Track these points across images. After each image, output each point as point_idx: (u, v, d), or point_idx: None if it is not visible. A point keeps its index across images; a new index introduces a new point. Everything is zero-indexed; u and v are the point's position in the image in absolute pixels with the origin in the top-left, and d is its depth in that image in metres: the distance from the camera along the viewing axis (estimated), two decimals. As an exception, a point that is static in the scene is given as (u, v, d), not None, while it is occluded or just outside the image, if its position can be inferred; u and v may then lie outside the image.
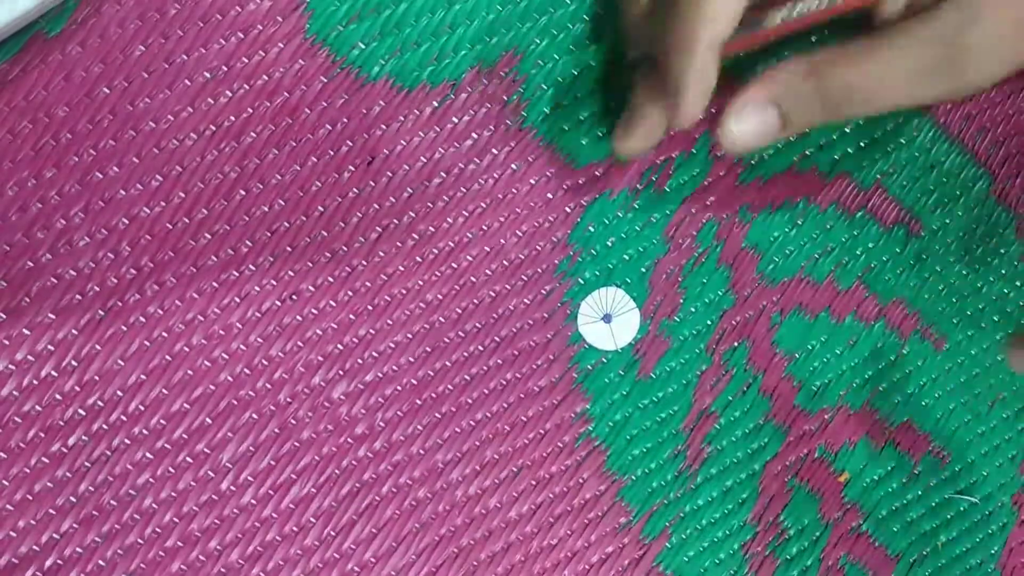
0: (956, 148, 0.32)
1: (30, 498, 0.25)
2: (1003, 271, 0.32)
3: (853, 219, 0.31)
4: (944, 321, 0.31)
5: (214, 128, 0.26)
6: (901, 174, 0.31)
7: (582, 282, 0.29)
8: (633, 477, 0.29)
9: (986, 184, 0.32)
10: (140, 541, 0.26)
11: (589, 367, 0.29)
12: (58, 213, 0.25)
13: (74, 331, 0.25)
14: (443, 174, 0.28)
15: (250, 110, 0.26)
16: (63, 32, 0.25)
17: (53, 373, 0.25)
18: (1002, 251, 0.32)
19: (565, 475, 0.29)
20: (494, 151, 0.28)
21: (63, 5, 0.25)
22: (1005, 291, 0.32)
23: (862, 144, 0.31)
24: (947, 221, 0.31)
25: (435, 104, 0.28)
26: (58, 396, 0.25)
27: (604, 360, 0.29)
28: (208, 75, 0.26)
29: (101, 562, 0.25)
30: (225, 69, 0.26)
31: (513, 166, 0.28)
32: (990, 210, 0.32)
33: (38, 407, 0.25)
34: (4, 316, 0.25)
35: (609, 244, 0.29)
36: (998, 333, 0.32)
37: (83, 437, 0.25)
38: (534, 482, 0.29)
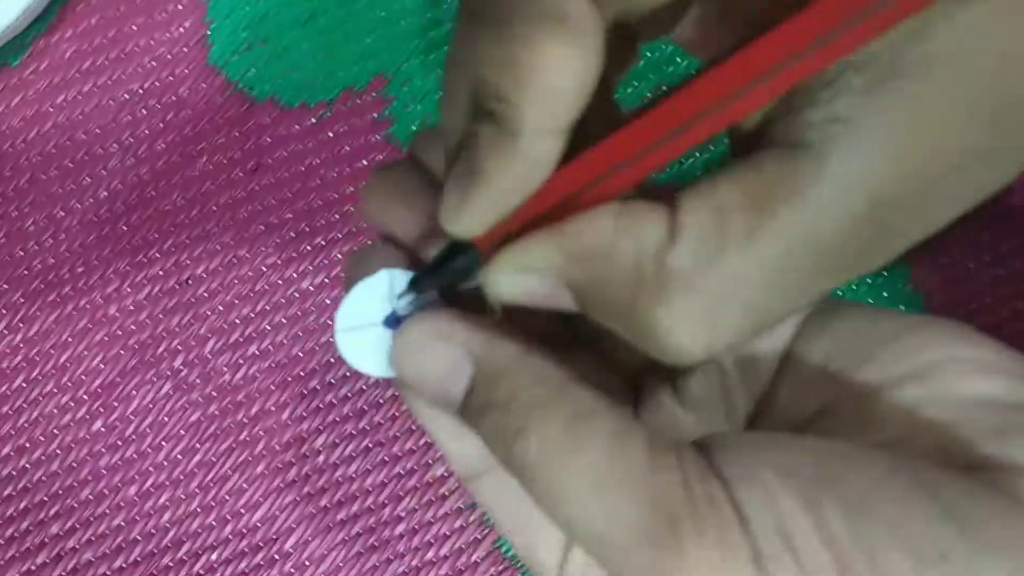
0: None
1: (-21, 426, 0.32)
2: (884, 292, 0.31)
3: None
4: (813, 339, 0.31)
5: (132, 139, 0.32)
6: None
7: (452, 281, 0.32)
8: (480, 463, 0.31)
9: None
10: (59, 471, 0.32)
11: (443, 358, 0.32)
12: (11, 205, 0.32)
13: (22, 299, 0.32)
14: (318, 179, 0.32)
15: (161, 124, 0.32)
16: (22, 62, 0.32)
17: (4, 331, 0.32)
18: (884, 272, 0.31)
19: (415, 456, 0.32)
20: (364, 161, 0.32)
21: (23, 39, 0.32)
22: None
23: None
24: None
25: (312, 120, 0.32)
26: (7, 350, 0.32)
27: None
28: (127, 96, 0.32)
29: (28, 484, 0.32)
30: (142, 91, 0.32)
31: (380, 174, 0.32)
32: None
33: (-9, 355, 0.32)
34: (-31, 282, 0.32)
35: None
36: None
37: (23, 383, 0.32)
38: (387, 458, 0.32)
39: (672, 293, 0.15)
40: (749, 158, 0.16)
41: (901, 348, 0.18)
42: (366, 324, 0.19)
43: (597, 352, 0.21)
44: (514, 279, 0.17)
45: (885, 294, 0.31)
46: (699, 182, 0.16)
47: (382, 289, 0.19)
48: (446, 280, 0.19)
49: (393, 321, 0.19)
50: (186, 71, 0.32)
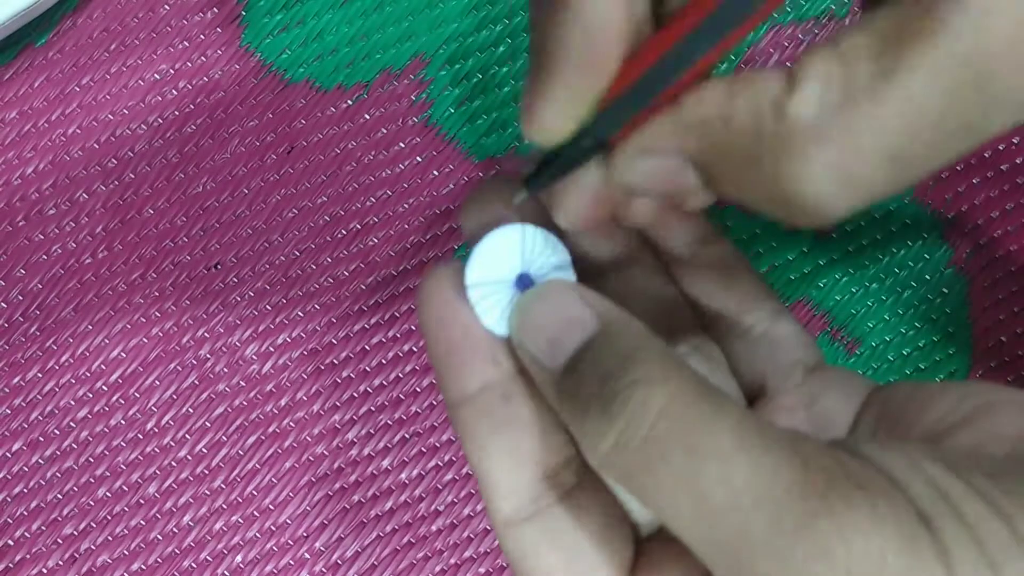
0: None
1: (-11, 419, 0.30)
2: (927, 275, 0.31)
3: (754, 216, 0.31)
4: (857, 325, 0.31)
5: (161, 120, 0.31)
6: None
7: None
8: (520, 453, 0.30)
9: (908, 187, 0.31)
10: (75, 467, 0.30)
11: (482, 345, 0.31)
12: (32, 187, 0.31)
13: (39, 285, 0.30)
14: (353, 163, 0.31)
15: (191, 106, 0.31)
16: (47, 41, 0.31)
17: (20, 319, 0.30)
18: (926, 256, 0.31)
19: (454, 445, 0.31)
20: (400, 144, 0.31)
21: (50, 18, 0.31)
22: (929, 296, 0.31)
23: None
24: (862, 223, 0.31)
25: (349, 102, 0.31)
26: (22, 338, 0.30)
27: (496, 339, 0.31)
28: (158, 76, 0.31)
29: (42, 481, 0.30)
30: (172, 71, 0.31)
31: (418, 158, 0.31)
32: (912, 212, 0.31)
33: (5, 346, 0.30)
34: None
35: (510, 233, 0.31)
36: (921, 340, 0.31)
37: (38, 374, 0.30)
38: (424, 449, 0.31)
39: (801, 144, 0.14)
40: (870, 12, 0.15)
41: (949, 400, 0.18)
42: (494, 280, 0.19)
43: None
44: (637, 163, 0.17)
45: (928, 276, 0.31)
46: (816, 45, 0.15)
47: (513, 245, 0.19)
48: (565, 168, 0.18)
49: (523, 282, 0.19)
50: (218, 52, 0.31)
